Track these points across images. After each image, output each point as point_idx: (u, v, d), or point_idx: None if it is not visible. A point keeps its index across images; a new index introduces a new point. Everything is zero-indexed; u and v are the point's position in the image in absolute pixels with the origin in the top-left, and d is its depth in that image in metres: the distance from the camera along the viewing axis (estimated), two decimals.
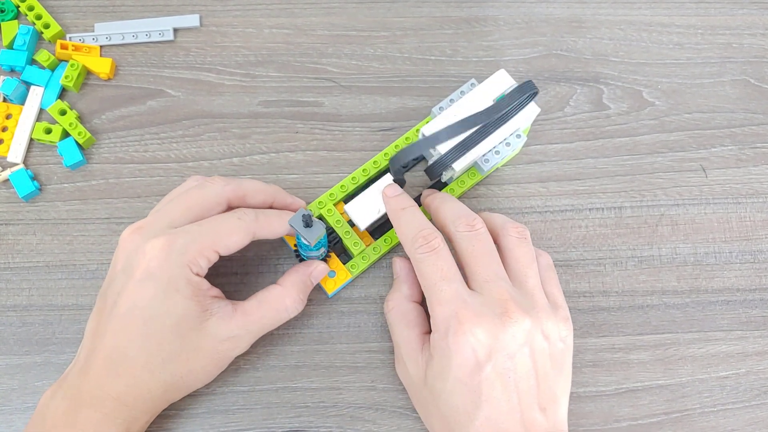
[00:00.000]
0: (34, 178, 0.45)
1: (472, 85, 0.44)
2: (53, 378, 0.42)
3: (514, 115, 0.41)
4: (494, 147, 0.42)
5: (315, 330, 0.43)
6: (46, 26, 0.48)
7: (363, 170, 0.44)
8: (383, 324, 0.43)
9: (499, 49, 0.49)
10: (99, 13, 0.49)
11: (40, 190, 0.45)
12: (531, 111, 0.42)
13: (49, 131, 0.45)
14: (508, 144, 0.43)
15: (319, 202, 0.43)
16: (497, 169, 0.46)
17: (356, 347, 0.43)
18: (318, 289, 0.43)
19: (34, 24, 0.48)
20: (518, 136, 0.43)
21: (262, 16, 0.50)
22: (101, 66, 0.47)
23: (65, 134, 0.46)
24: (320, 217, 0.43)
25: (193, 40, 0.49)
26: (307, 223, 0.37)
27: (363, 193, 0.41)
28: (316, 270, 0.41)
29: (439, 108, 0.44)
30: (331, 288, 0.42)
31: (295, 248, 0.41)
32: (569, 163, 0.47)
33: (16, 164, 0.45)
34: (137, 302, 0.36)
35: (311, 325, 0.43)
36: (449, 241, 0.39)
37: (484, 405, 0.35)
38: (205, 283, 0.37)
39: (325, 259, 0.42)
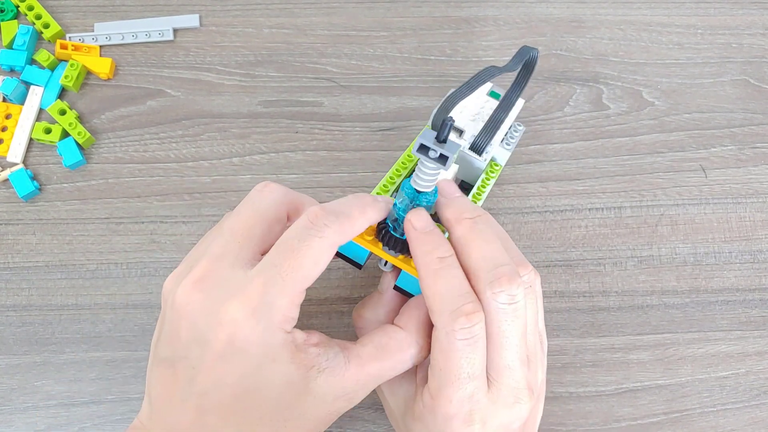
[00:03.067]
0: (33, 177, 0.45)
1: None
2: (53, 377, 0.42)
3: (528, 78, 0.40)
4: (503, 139, 0.42)
5: (314, 330, 0.43)
6: (46, 26, 0.48)
7: (403, 163, 0.40)
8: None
9: (498, 49, 0.49)
10: (99, 13, 0.49)
11: (39, 189, 0.45)
12: (517, 102, 0.42)
13: (48, 131, 0.45)
14: (512, 135, 0.42)
15: (383, 185, 0.38)
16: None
17: None
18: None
19: (34, 24, 0.48)
20: (519, 125, 0.43)
21: (262, 16, 0.50)
22: (101, 66, 0.47)
23: (65, 134, 0.46)
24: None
25: (193, 40, 0.49)
26: (443, 136, 0.28)
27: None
28: None
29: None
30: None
31: (383, 229, 0.33)
32: (569, 163, 0.47)
33: (16, 164, 0.45)
34: (223, 380, 0.29)
35: (311, 325, 0.43)
36: (478, 296, 0.31)
37: None
38: (300, 335, 0.30)
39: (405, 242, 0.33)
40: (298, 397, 0.29)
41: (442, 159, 0.29)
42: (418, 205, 0.31)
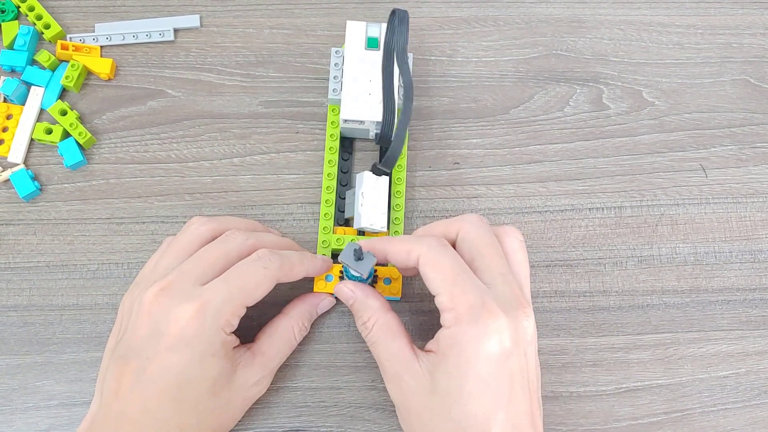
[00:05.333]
0: (34, 178, 0.45)
1: (337, 52, 0.45)
2: (54, 378, 0.42)
3: (406, 42, 0.41)
4: (400, 80, 0.43)
5: (315, 330, 0.43)
6: (47, 27, 0.48)
7: (327, 187, 0.44)
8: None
9: (498, 49, 0.50)
10: (99, 14, 0.50)
11: (40, 190, 0.45)
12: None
13: (49, 131, 0.45)
14: (406, 68, 0.43)
15: (323, 242, 0.43)
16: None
17: (356, 347, 0.43)
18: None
19: (35, 24, 0.48)
20: (407, 57, 0.44)
21: (263, 17, 0.50)
22: (102, 66, 0.47)
23: (66, 134, 0.46)
24: (333, 251, 0.43)
25: (194, 41, 0.49)
26: (359, 256, 0.37)
27: (359, 203, 0.41)
28: (323, 303, 0.42)
29: (333, 90, 0.44)
30: (397, 291, 0.42)
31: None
32: (569, 162, 0.47)
33: (17, 164, 0.45)
34: (171, 368, 0.35)
35: (311, 325, 0.43)
36: (461, 234, 0.38)
37: (505, 404, 0.33)
38: (234, 339, 0.37)
39: (376, 277, 0.42)
40: (225, 386, 0.36)
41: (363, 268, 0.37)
42: (358, 279, 0.39)
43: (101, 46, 0.48)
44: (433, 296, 0.36)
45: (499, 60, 0.49)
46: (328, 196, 0.44)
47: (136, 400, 0.35)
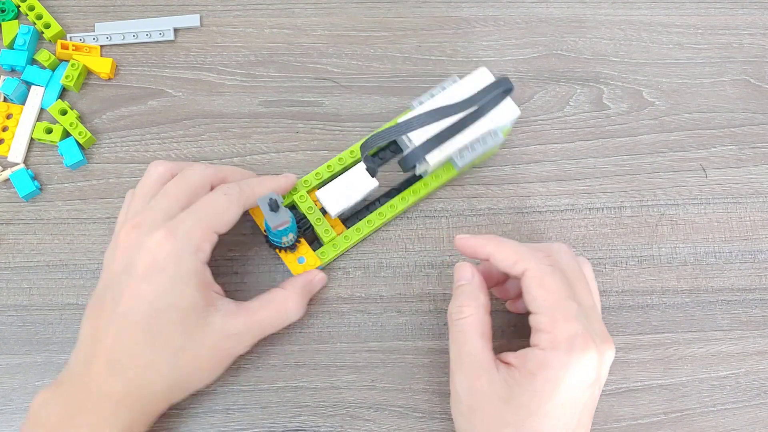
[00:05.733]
0: (34, 177, 0.45)
1: (454, 81, 0.44)
2: (54, 377, 0.41)
3: (489, 110, 0.41)
4: (469, 143, 0.42)
5: (315, 330, 0.43)
6: (47, 26, 0.48)
7: (339, 159, 0.44)
8: (383, 324, 0.43)
9: (499, 49, 0.50)
10: (99, 13, 0.50)
11: (40, 189, 0.45)
12: (510, 111, 0.42)
13: (49, 131, 0.45)
14: (484, 141, 0.43)
15: (294, 191, 0.43)
16: (483, 168, 0.47)
17: (356, 347, 0.43)
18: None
19: (35, 24, 0.48)
20: (495, 134, 0.43)
21: (263, 16, 0.50)
22: (102, 66, 0.47)
23: (66, 134, 0.46)
24: (292, 204, 0.43)
25: (194, 40, 0.49)
26: (272, 207, 0.37)
27: (335, 180, 0.42)
28: (315, 278, 0.42)
29: (419, 102, 0.44)
30: (294, 271, 0.42)
31: (264, 233, 0.42)
32: (569, 162, 0.47)
33: (17, 164, 0.45)
34: (143, 298, 0.35)
35: (311, 324, 0.43)
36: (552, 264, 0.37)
37: (573, 429, 0.35)
38: (209, 274, 0.38)
39: (294, 245, 0.42)
40: (198, 323, 0.36)
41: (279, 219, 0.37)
42: (276, 234, 0.40)
43: (101, 46, 0.48)
44: (529, 312, 0.36)
45: (499, 60, 0.49)
46: (335, 163, 0.44)
47: (110, 337, 0.35)
